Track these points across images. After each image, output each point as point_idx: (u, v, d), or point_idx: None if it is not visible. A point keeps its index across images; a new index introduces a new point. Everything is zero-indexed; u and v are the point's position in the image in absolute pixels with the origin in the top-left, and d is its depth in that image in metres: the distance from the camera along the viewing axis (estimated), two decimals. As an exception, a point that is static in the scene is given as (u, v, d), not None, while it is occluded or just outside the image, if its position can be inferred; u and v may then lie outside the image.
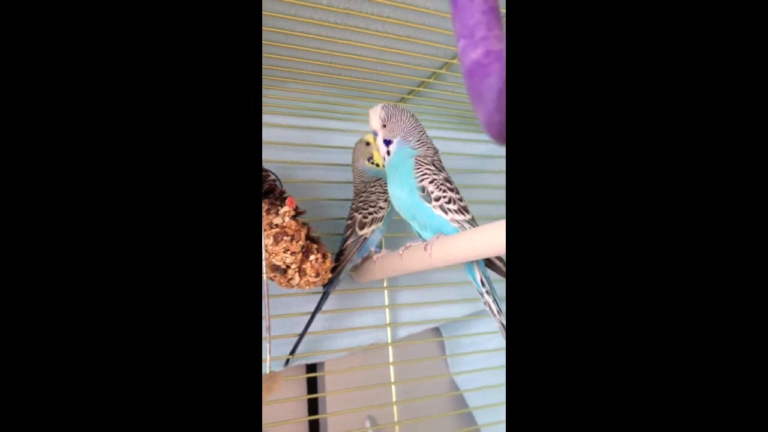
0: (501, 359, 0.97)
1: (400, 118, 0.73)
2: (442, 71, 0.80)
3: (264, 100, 0.83)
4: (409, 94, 0.86)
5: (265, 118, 0.84)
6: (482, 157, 1.03)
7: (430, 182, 0.68)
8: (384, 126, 0.73)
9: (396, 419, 0.85)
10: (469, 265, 0.71)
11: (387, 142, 0.73)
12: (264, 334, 0.65)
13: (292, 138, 0.87)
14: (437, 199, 0.68)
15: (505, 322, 0.68)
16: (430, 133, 0.76)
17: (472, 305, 0.98)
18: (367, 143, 0.85)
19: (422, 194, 0.68)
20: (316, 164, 0.89)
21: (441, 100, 0.89)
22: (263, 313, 0.61)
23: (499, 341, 0.99)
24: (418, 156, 0.71)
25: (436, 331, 0.98)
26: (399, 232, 0.91)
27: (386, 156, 0.74)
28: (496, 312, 0.69)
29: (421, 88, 0.84)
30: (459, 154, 0.99)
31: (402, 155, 0.72)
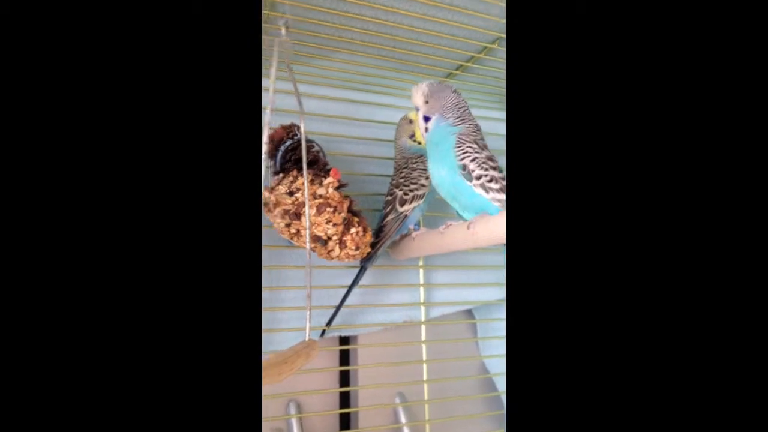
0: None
1: (442, 94, 0.71)
2: (494, 46, 0.77)
3: (307, 69, 0.83)
4: (457, 69, 0.84)
5: (308, 89, 0.84)
6: (498, 136, 1.01)
7: (472, 160, 0.67)
8: (426, 102, 0.71)
9: (426, 397, 0.86)
10: None
11: (426, 119, 0.72)
12: (305, 303, 0.66)
13: (334, 110, 0.87)
14: (478, 178, 0.66)
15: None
16: (475, 112, 0.74)
17: (504, 290, 0.97)
18: (411, 120, 0.84)
19: (463, 172, 0.67)
20: (358, 138, 0.88)
21: (490, 77, 0.87)
22: (306, 283, 0.61)
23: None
24: (460, 134, 0.69)
25: (469, 313, 0.97)
26: (438, 212, 0.90)
27: (424, 133, 0.72)
28: None
29: (470, 64, 0.82)
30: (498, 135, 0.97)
31: (441, 132, 0.70)
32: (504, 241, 0.64)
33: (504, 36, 0.75)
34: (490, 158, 0.69)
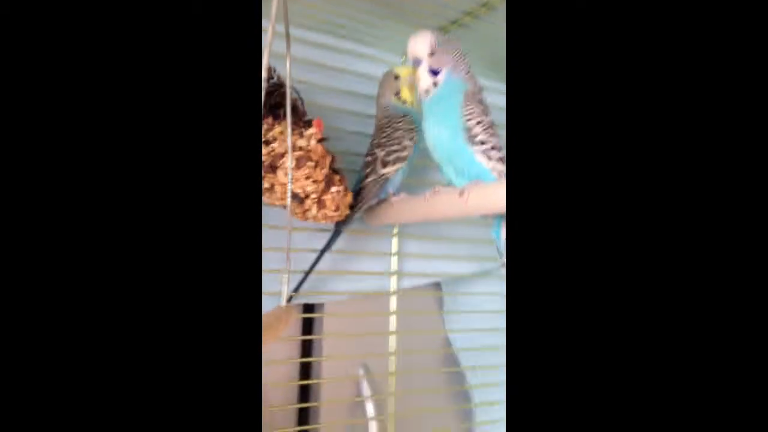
0: (497, 321, 0.94)
1: (451, 46, 0.65)
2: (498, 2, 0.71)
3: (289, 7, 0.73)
4: (453, 23, 0.78)
5: (279, 28, 0.75)
6: (496, 109, 0.96)
7: (478, 123, 0.61)
8: (432, 54, 0.64)
9: (391, 370, 0.82)
10: (499, 221, 0.66)
11: (434, 72, 0.65)
12: (276, 266, 0.59)
13: (312, 56, 0.78)
14: (482, 143, 0.61)
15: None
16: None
17: (480, 264, 0.94)
18: (396, 76, 0.77)
19: (467, 135, 0.62)
20: (336, 90, 0.80)
21: (489, 39, 0.81)
22: (284, 244, 0.54)
23: (499, 304, 0.95)
24: (468, 91, 0.64)
25: (436, 285, 0.93)
26: (419, 177, 0.84)
27: (432, 88, 0.65)
28: None
29: (468, 18, 0.76)
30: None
31: (451, 88, 0.64)
32: (497, 211, 0.60)
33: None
34: (493, 124, 0.64)
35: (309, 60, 0.78)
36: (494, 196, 0.57)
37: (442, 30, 0.79)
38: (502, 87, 0.95)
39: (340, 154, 0.79)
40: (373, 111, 0.80)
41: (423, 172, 0.86)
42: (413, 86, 0.77)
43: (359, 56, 0.83)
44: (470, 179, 0.63)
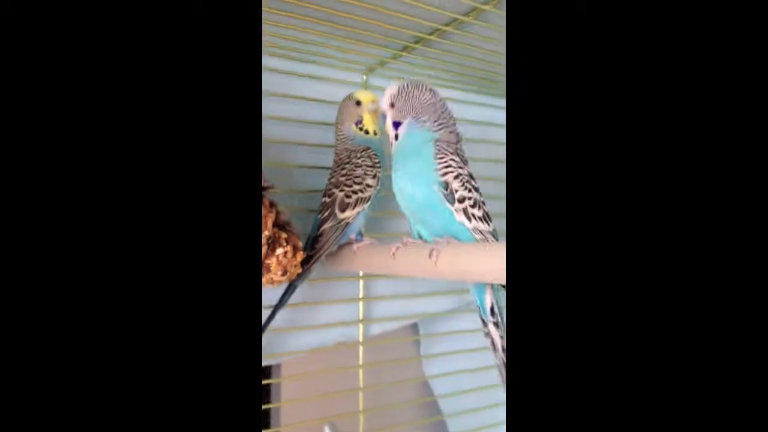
0: (481, 360, 0.86)
1: (414, 93, 0.56)
2: (467, 18, 0.62)
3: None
4: (416, 42, 0.68)
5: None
6: (483, 125, 0.88)
7: (455, 177, 0.52)
8: (392, 105, 0.57)
9: (361, 430, 0.73)
10: (481, 285, 0.57)
11: (396, 125, 0.57)
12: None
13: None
14: (461, 201, 0.52)
15: (506, 360, 0.56)
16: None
17: (458, 298, 0.85)
18: (358, 102, 0.67)
19: (444, 192, 0.53)
20: (289, 120, 0.70)
21: (455, 54, 0.71)
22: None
23: (480, 340, 0.87)
24: (439, 140, 0.55)
25: (414, 327, 0.85)
26: (383, 212, 0.75)
27: (393, 141, 0.58)
28: (499, 348, 0.56)
29: (432, 37, 0.66)
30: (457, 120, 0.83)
31: (417, 139, 0.55)
32: (474, 278, 0.51)
33: (485, 7, 0.59)
34: (472, 176, 0.55)
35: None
36: (468, 262, 0.48)
37: (406, 48, 0.70)
38: (477, 99, 0.87)
39: (295, 193, 0.70)
40: (332, 139, 0.70)
41: (390, 204, 0.77)
42: (376, 114, 0.68)
43: (315, 79, 0.73)
44: (442, 234, 0.54)
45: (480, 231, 0.53)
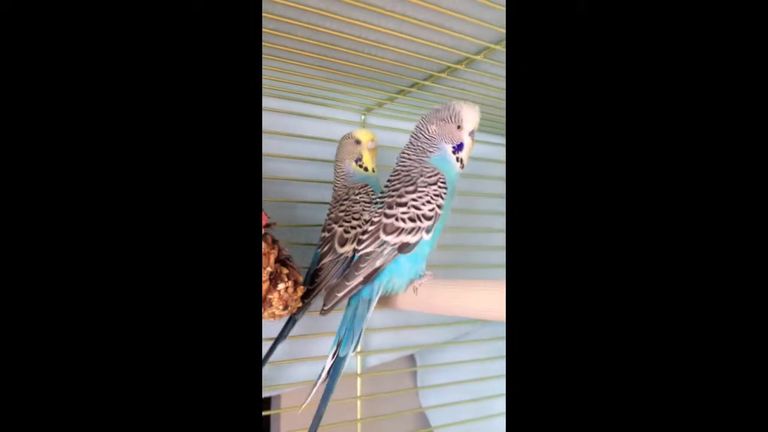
0: (477, 391, 0.87)
1: None
2: (459, 66, 0.66)
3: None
4: (412, 86, 0.72)
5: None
6: (481, 161, 0.91)
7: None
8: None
9: (359, 461, 0.74)
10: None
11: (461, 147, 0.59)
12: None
13: (265, 124, 0.72)
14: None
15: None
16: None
17: (454, 329, 0.87)
18: (357, 141, 0.71)
19: None
20: (290, 157, 0.74)
21: (449, 97, 0.75)
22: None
23: (478, 371, 0.89)
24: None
25: (410, 358, 0.86)
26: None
27: (461, 167, 0.60)
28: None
29: (427, 82, 0.70)
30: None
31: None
32: (448, 313, 0.53)
33: (477, 57, 0.63)
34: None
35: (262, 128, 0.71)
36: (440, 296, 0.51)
37: (402, 92, 0.73)
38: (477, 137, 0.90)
39: (297, 227, 0.73)
40: (331, 175, 0.74)
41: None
42: (375, 152, 0.71)
43: (317, 118, 0.76)
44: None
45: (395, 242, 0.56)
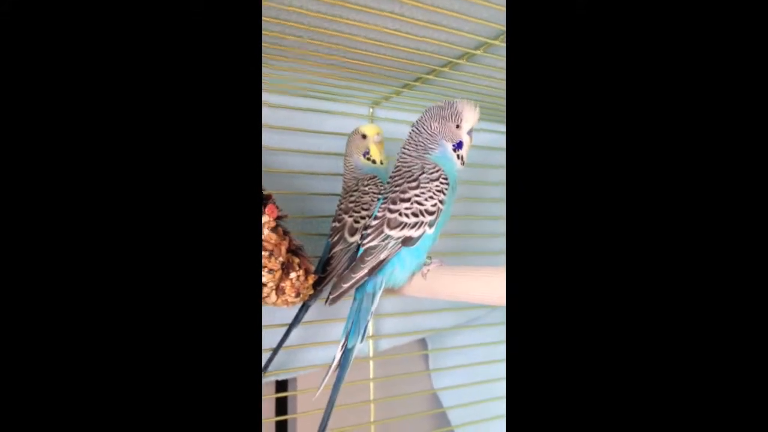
0: (487, 373, 0.90)
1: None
2: (460, 61, 0.68)
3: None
4: (416, 80, 0.74)
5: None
6: (485, 149, 0.93)
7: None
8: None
9: (373, 440, 0.78)
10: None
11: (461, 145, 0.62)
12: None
13: (274, 119, 0.75)
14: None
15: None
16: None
17: (463, 314, 0.90)
18: (364, 135, 0.73)
19: None
20: (302, 151, 0.77)
21: (451, 89, 0.77)
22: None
23: (488, 354, 0.91)
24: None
25: (422, 342, 0.89)
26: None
27: (461, 164, 0.63)
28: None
29: (430, 76, 0.72)
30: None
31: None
32: (455, 298, 0.56)
33: (476, 52, 0.65)
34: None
35: (271, 121, 0.74)
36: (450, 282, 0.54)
37: (407, 86, 0.76)
38: (480, 125, 0.92)
39: (308, 219, 0.76)
40: (341, 167, 0.77)
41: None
42: (382, 145, 0.74)
43: (325, 113, 0.79)
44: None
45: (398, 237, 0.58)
